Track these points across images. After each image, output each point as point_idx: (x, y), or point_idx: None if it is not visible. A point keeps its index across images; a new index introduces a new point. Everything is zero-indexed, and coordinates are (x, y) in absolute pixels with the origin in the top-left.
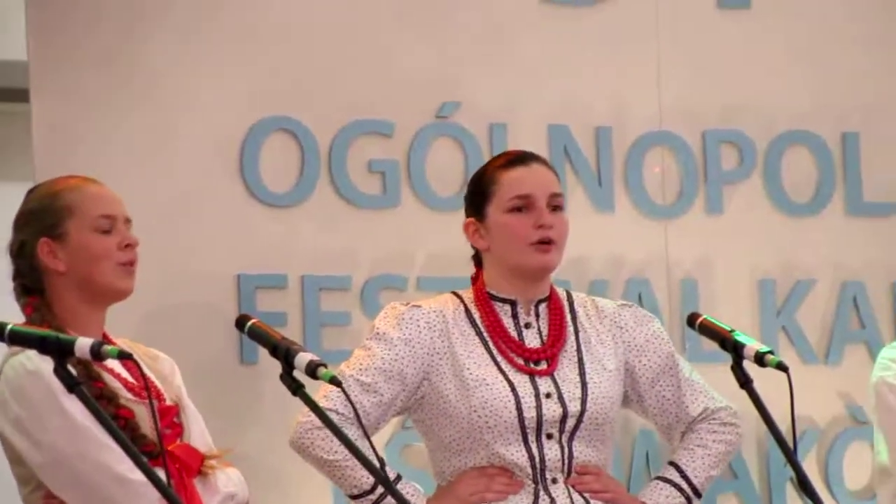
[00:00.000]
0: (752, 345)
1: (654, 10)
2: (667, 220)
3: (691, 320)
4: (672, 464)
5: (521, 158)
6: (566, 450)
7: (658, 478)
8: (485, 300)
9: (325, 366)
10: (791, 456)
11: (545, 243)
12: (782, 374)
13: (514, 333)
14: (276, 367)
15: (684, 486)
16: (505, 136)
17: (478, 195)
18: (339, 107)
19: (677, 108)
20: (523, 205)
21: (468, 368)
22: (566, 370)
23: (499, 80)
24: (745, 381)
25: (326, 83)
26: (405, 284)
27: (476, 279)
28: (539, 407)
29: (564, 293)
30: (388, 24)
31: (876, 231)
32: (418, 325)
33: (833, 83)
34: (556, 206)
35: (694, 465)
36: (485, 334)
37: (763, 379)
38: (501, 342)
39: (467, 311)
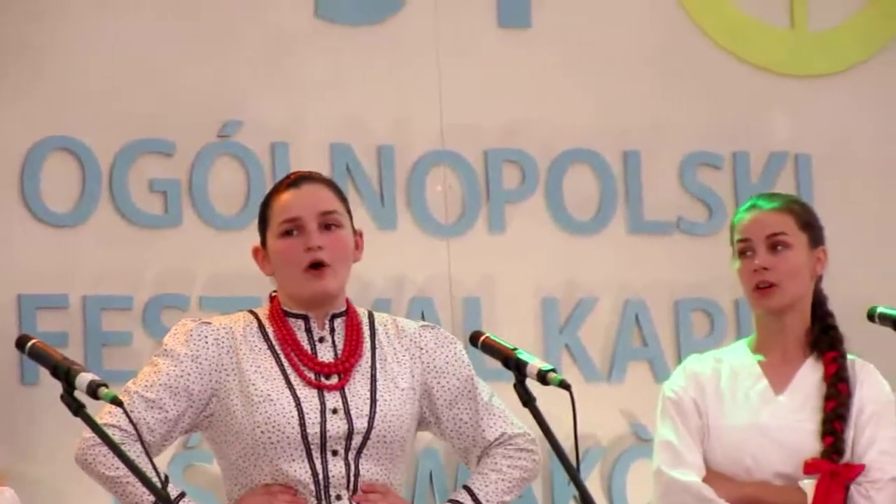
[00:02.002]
0: (535, 363)
1: (434, 29)
2: (449, 239)
3: (474, 339)
4: (466, 487)
5: (295, 181)
6: (352, 467)
7: (451, 500)
8: (279, 315)
9: (106, 386)
10: (574, 474)
11: (317, 267)
12: (566, 392)
13: (307, 347)
14: (57, 387)
15: None
16: (287, 154)
17: (260, 222)
18: (119, 126)
19: (459, 127)
20: (292, 228)
21: (254, 384)
22: (358, 385)
23: (281, 99)
24: (527, 400)
25: (106, 102)
26: (187, 304)
27: (273, 297)
28: (323, 423)
29: (366, 312)
30: (168, 44)
31: (658, 249)
32: (206, 342)
33: (614, 102)
34: (329, 224)
35: (487, 489)
36: (277, 348)
37: (546, 397)
38: (293, 355)
39: (261, 326)
